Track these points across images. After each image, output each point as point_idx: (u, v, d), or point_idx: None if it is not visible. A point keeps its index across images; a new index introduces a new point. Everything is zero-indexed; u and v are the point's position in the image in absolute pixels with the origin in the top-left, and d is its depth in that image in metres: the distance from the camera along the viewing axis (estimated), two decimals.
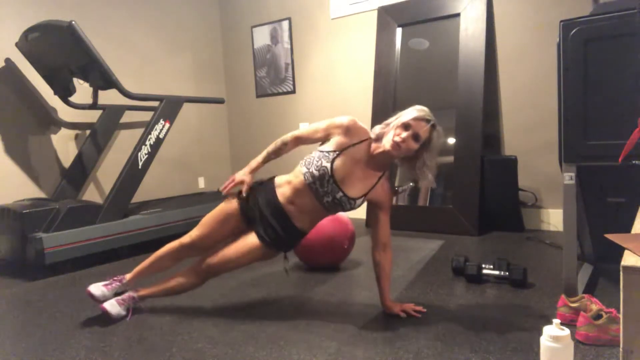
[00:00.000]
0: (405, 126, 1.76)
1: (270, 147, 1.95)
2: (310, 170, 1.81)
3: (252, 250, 1.87)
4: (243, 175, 1.94)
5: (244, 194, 1.92)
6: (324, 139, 1.89)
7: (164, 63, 4.28)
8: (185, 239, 2.00)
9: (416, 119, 1.76)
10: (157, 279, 2.04)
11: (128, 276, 2.07)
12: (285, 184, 1.89)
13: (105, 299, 1.97)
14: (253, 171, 1.95)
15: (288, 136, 1.93)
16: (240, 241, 1.90)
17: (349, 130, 1.83)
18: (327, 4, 4.19)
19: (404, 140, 1.75)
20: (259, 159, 1.95)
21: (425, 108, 1.82)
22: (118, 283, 2.04)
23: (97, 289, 1.99)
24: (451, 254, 2.56)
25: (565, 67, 1.80)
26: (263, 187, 1.94)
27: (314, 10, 4.26)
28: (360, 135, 1.85)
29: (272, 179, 1.95)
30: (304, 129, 1.94)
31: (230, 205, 1.95)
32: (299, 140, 1.93)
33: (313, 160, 1.83)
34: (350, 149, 1.81)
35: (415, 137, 1.76)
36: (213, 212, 1.98)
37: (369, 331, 1.74)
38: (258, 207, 1.89)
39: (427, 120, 1.77)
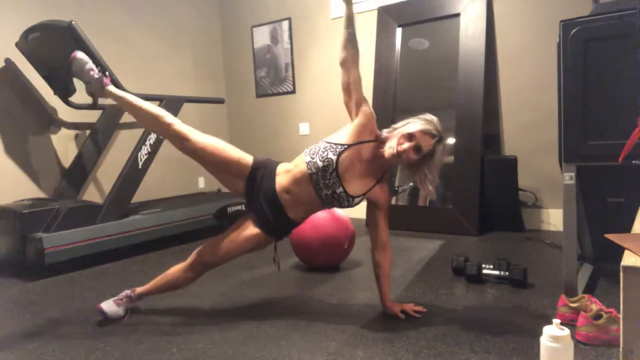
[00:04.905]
0: (410, 136, 1.75)
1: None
2: (315, 160, 1.79)
3: (246, 238, 1.86)
4: None
5: None
6: (348, 105, 1.84)
7: (164, 63, 4.28)
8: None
9: (422, 131, 1.75)
10: (152, 276, 2.02)
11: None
12: (283, 173, 1.86)
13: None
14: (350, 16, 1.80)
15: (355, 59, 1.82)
16: (234, 229, 1.89)
17: (368, 123, 1.81)
18: (327, 4, 4.19)
19: (404, 150, 1.74)
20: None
21: (434, 119, 1.79)
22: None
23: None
24: (451, 254, 2.55)
25: (565, 67, 1.80)
26: (266, 169, 1.90)
27: (314, 10, 4.26)
28: (371, 133, 1.84)
29: (276, 164, 1.92)
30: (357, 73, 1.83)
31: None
32: (347, 73, 1.82)
33: (318, 150, 1.81)
34: (358, 145, 1.80)
35: (417, 149, 1.74)
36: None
37: (369, 331, 1.74)
38: (256, 189, 1.87)
39: (433, 135, 1.75)
